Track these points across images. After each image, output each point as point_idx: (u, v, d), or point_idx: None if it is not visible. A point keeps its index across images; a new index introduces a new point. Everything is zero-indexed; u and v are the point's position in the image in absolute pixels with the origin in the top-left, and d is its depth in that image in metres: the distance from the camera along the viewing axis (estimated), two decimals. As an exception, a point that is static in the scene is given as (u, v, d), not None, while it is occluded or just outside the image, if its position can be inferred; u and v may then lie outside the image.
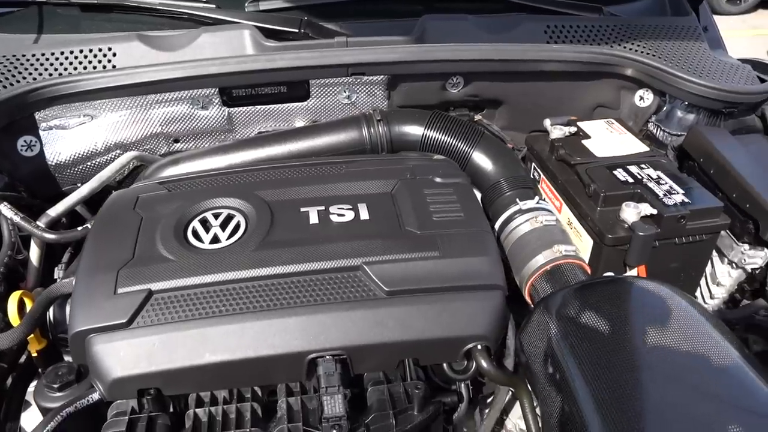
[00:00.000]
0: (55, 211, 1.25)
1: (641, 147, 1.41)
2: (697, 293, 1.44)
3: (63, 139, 1.38)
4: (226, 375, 0.93)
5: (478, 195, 1.34)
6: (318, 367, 0.92)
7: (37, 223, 1.20)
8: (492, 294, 1.00)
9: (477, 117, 1.59)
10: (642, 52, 1.54)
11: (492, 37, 1.50)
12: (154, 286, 0.96)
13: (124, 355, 0.90)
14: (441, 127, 1.36)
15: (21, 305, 1.05)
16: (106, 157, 1.43)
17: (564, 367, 0.91)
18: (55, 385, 0.95)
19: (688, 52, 1.57)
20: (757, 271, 1.30)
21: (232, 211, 1.09)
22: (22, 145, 1.35)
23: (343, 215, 1.07)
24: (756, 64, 1.64)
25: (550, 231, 1.21)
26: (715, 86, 1.45)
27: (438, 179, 1.17)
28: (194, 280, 0.97)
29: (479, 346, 0.97)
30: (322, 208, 1.09)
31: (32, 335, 1.04)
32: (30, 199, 1.33)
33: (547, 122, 1.49)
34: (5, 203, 1.18)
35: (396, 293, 0.97)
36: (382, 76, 1.44)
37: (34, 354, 1.07)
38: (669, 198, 1.22)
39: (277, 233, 1.04)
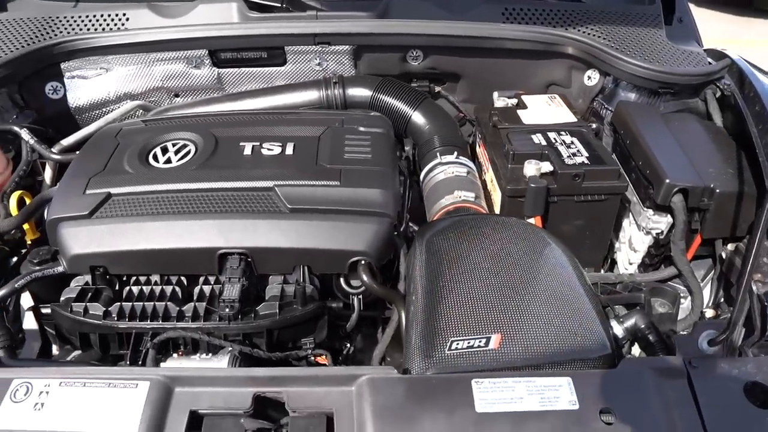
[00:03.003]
0: (67, 141, 1.55)
1: (570, 118, 1.54)
2: (617, 258, 1.55)
3: (83, 87, 1.69)
4: (156, 260, 1.17)
5: None
6: (226, 262, 1.16)
7: (51, 149, 1.51)
8: (380, 220, 1.19)
9: (437, 89, 1.77)
10: (592, 35, 1.66)
11: (451, 15, 1.67)
12: (114, 190, 1.22)
13: (81, 238, 1.17)
14: (388, 91, 1.57)
15: (21, 203, 1.35)
16: (117, 105, 1.73)
17: (417, 282, 1.09)
18: (35, 260, 1.24)
19: (639, 37, 1.67)
20: (661, 237, 1.40)
21: (187, 142, 1.34)
22: (49, 89, 1.67)
23: (272, 150, 1.30)
24: (716, 53, 1.71)
25: (458, 180, 1.39)
26: (651, 68, 1.55)
27: (362, 128, 1.37)
28: (144, 188, 1.23)
29: (363, 262, 1.17)
30: (257, 143, 1.32)
31: (29, 227, 1.34)
32: (53, 134, 1.65)
33: (495, 94, 1.66)
34: (26, 129, 1.49)
35: (297, 210, 1.18)
36: (347, 47, 1.65)
37: (29, 242, 1.36)
38: (571, 159, 1.36)
39: (216, 159, 1.29)
